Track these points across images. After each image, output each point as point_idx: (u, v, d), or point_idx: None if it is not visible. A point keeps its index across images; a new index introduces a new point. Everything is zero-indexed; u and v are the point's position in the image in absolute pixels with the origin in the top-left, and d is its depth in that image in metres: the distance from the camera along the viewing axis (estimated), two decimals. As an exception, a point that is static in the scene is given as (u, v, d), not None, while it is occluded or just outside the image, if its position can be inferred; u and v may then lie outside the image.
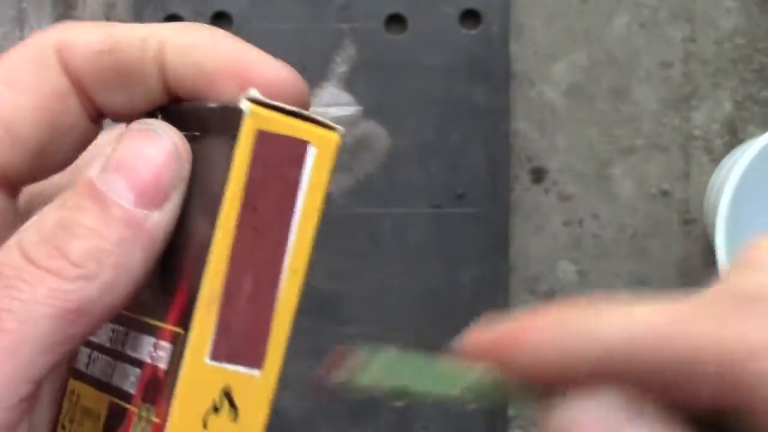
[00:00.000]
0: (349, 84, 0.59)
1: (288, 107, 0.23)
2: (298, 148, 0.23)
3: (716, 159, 0.60)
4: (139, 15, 0.59)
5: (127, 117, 0.26)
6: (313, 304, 0.59)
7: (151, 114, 0.25)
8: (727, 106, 0.60)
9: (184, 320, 0.23)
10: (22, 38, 0.60)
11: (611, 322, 0.22)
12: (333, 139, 0.23)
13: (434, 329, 0.60)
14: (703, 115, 0.60)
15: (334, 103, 0.59)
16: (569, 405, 0.22)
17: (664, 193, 0.61)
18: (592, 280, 0.61)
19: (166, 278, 0.24)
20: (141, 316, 0.25)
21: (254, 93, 0.23)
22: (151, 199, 0.23)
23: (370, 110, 0.59)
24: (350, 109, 0.59)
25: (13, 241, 0.23)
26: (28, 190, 0.27)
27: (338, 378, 0.23)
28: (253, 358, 0.23)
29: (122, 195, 0.23)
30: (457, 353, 0.23)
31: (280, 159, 0.23)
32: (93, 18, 0.60)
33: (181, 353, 0.23)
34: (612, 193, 0.61)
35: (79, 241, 0.23)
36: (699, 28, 0.60)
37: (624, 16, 0.60)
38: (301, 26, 0.59)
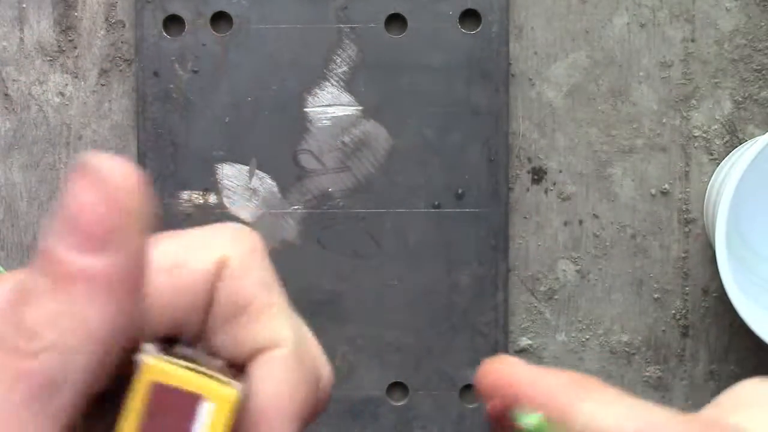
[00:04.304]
0: (349, 84, 0.59)
1: (187, 363, 0.24)
2: (192, 401, 0.24)
3: (716, 159, 0.60)
4: (139, 15, 0.59)
5: None
6: (313, 304, 0.59)
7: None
8: (727, 106, 0.60)
9: None
10: (22, 38, 0.60)
11: (593, 412, 0.25)
12: (230, 395, 0.24)
13: (434, 329, 0.60)
14: (703, 115, 0.60)
15: (334, 103, 0.59)
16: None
17: (664, 193, 0.61)
18: (592, 280, 0.61)
19: None
20: None
21: (149, 347, 0.24)
22: (95, 242, 0.22)
23: (370, 110, 0.59)
24: (350, 109, 0.59)
25: None
26: None
27: None
28: None
29: (71, 246, 0.21)
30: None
31: (172, 411, 0.24)
32: (93, 17, 0.60)
33: None
34: (612, 193, 0.61)
35: (35, 309, 0.21)
36: (699, 28, 0.60)
37: (624, 16, 0.60)
38: (301, 26, 0.59)
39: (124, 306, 0.22)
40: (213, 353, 0.26)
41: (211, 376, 0.24)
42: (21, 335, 0.21)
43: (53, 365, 0.21)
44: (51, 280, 0.21)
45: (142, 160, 0.59)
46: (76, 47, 0.60)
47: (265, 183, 0.59)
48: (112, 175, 0.22)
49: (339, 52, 0.59)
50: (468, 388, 0.60)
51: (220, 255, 0.26)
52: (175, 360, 0.24)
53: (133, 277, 0.22)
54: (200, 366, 0.24)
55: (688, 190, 0.61)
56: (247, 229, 0.26)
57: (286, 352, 0.26)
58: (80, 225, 0.22)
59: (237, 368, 0.26)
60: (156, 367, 0.23)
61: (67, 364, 0.21)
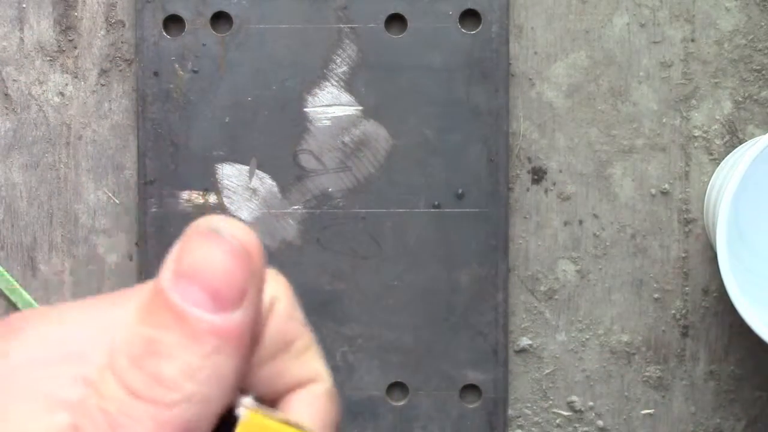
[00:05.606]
0: (349, 84, 0.59)
1: (281, 416, 0.25)
2: None
3: (716, 159, 0.60)
4: (139, 15, 0.59)
5: None
6: (313, 304, 0.59)
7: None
8: (727, 106, 0.60)
9: None
10: (22, 38, 0.60)
11: None
12: None
13: (434, 329, 0.60)
14: (703, 115, 0.60)
15: (334, 103, 0.59)
16: None
17: (664, 193, 0.61)
18: (592, 280, 0.61)
19: None
20: None
21: (249, 401, 0.25)
22: (229, 301, 0.24)
23: (370, 110, 0.59)
24: (350, 109, 0.59)
25: (106, 361, 0.23)
26: None
27: None
28: None
29: (200, 304, 0.23)
30: None
31: None
32: (93, 17, 0.60)
33: None
34: (612, 193, 0.61)
35: (171, 363, 0.23)
36: (699, 28, 0.60)
37: (624, 16, 0.60)
38: (301, 26, 0.59)
39: (249, 355, 0.24)
40: (242, 390, 0.26)
41: (301, 429, 0.25)
42: (161, 387, 0.23)
43: (191, 414, 0.23)
44: (185, 336, 0.23)
45: (142, 160, 0.59)
46: (76, 47, 0.60)
47: (265, 183, 0.59)
48: (242, 240, 0.24)
49: (339, 52, 0.59)
50: (468, 388, 0.60)
51: (271, 294, 0.27)
52: (269, 412, 0.25)
53: (257, 330, 0.25)
54: (286, 417, 0.25)
55: (688, 190, 0.61)
56: (275, 270, 0.28)
57: (325, 387, 0.28)
58: (215, 286, 0.23)
59: (265, 402, 0.27)
60: (255, 421, 0.25)
61: (203, 413, 0.23)
